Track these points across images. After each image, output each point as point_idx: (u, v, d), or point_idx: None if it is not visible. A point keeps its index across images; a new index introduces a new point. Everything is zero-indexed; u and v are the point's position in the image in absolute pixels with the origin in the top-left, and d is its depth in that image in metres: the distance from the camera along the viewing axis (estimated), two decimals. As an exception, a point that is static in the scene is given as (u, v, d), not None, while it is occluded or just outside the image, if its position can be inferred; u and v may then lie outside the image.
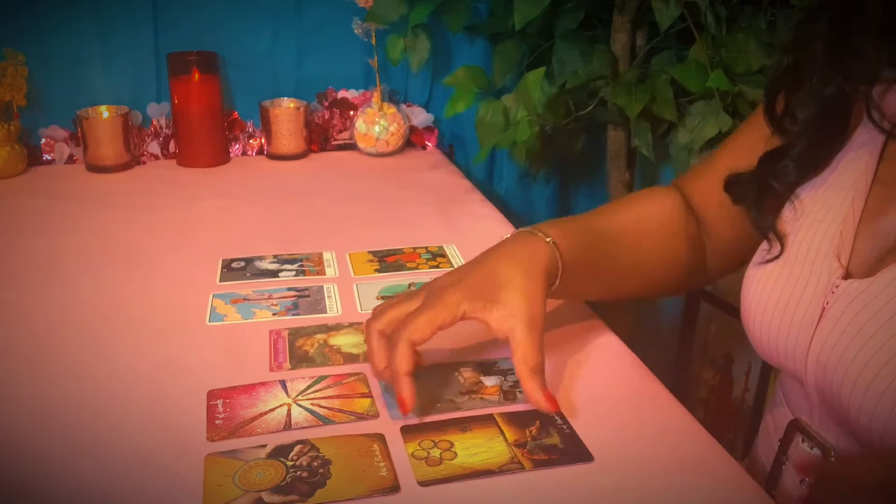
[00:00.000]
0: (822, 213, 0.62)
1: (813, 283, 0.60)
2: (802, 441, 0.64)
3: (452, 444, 0.61)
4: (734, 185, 0.70)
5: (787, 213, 0.65)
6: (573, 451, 0.61)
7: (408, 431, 0.63)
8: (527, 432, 0.63)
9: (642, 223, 0.77)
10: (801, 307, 0.61)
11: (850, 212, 0.60)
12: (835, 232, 0.61)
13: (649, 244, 0.76)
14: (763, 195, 0.65)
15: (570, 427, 0.63)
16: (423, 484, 0.57)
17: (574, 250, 0.69)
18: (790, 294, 0.62)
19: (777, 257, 0.64)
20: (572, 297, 0.78)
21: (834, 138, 0.63)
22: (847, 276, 0.59)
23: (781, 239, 0.64)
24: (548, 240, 0.67)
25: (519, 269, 0.65)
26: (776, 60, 0.67)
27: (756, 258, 0.67)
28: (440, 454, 0.60)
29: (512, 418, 0.65)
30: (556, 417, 0.64)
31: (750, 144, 0.70)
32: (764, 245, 0.66)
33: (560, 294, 0.70)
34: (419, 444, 0.61)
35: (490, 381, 0.70)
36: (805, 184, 0.64)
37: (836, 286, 0.59)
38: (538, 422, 0.64)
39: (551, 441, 0.62)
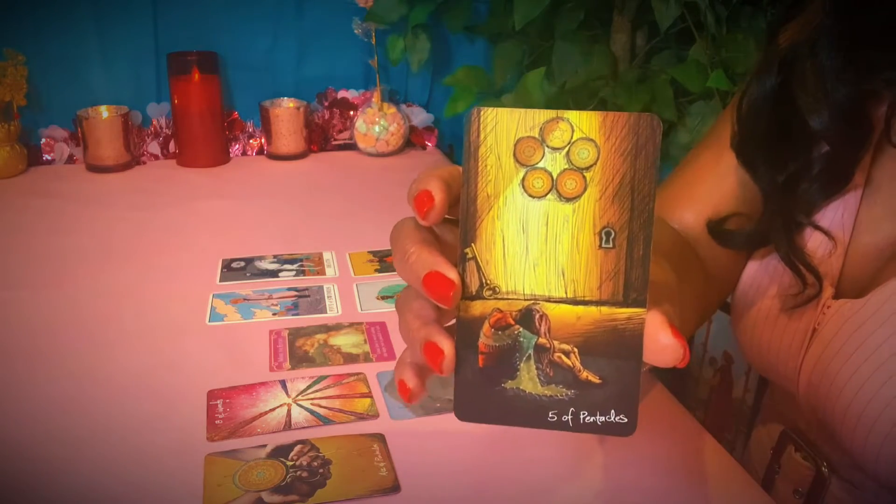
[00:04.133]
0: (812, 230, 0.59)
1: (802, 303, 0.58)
2: (795, 451, 0.63)
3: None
4: (719, 230, 0.63)
5: (812, 241, 0.59)
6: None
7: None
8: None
9: (680, 246, 0.65)
10: (791, 328, 0.58)
11: (839, 229, 0.58)
12: (824, 251, 0.58)
13: (692, 272, 0.64)
14: (788, 228, 0.58)
15: None
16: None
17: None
18: (778, 312, 0.59)
19: (817, 295, 0.57)
20: None
21: (854, 149, 0.57)
22: (838, 295, 0.56)
23: (820, 277, 0.57)
24: None
25: None
26: (746, 84, 0.59)
27: (744, 278, 0.63)
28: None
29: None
30: None
31: (724, 168, 0.63)
32: (751, 266, 0.62)
33: None
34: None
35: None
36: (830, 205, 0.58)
37: (828, 307, 0.56)
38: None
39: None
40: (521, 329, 0.34)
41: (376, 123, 1.37)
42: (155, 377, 0.72)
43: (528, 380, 0.34)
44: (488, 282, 0.34)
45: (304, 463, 0.59)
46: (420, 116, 1.44)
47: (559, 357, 0.34)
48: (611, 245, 0.33)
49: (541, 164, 0.33)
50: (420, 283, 0.35)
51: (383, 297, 0.87)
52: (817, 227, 0.58)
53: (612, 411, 0.33)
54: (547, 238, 0.33)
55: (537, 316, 0.34)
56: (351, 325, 0.81)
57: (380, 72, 1.38)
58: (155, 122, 1.36)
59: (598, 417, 0.34)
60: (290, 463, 0.59)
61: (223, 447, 0.62)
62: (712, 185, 0.65)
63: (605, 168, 0.33)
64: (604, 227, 0.33)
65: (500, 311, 0.34)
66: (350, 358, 0.74)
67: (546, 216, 0.33)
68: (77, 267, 0.95)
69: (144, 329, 0.80)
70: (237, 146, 1.40)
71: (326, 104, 1.43)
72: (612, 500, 0.57)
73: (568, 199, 0.33)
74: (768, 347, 0.60)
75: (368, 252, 0.98)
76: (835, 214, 0.58)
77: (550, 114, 0.33)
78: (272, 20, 1.38)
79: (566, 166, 0.33)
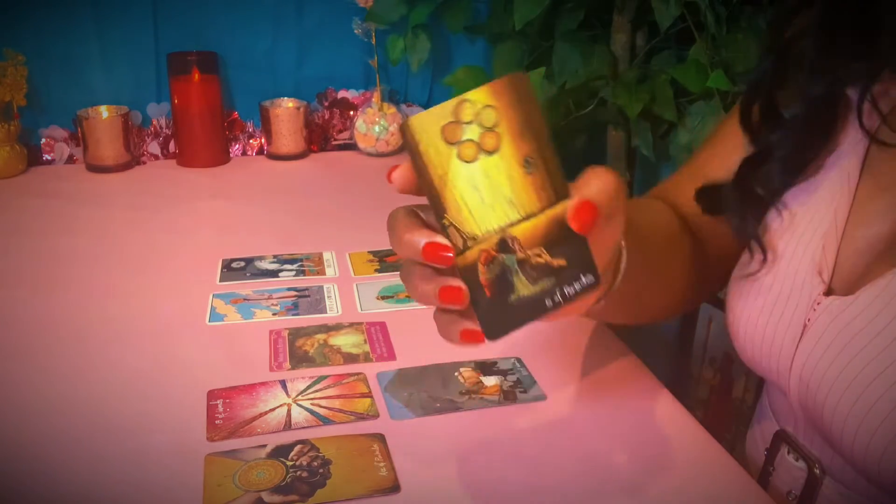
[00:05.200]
0: (805, 223, 0.60)
1: (794, 299, 0.58)
2: (788, 453, 0.63)
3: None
4: (707, 196, 0.66)
5: (774, 222, 0.62)
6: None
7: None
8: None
9: (670, 227, 0.68)
10: (783, 323, 0.59)
11: (832, 223, 0.58)
12: (817, 245, 0.58)
13: (674, 254, 0.67)
14: (746, 202, 0.62)
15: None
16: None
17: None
18: (772, 309, 0.60)
19: (759, 270, 0.61)
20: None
21: (820, 140, 0.60)
22: (829, 291, 0.57)
23: (765, 249, 0.61)
24: None
25: None
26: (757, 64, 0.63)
27: (737, 270, 0.64)
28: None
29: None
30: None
31: (730, 148, 0.66)
32: (745, 255, 0.64)
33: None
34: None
35: (490, 381, 0.70)
36: (792, 189, 0.61)
37: (818, 303, 0.56)
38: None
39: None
40: (503, 256, 0.43)
41: (376, 123, 1.37)
42: (155, 377, 0.72)
43: (522, 287, 0.43)
44: (467, 235, 0.42)
45: (304, 463, 0.59)
46: (420, 116, 1.44)
47: (535, 260, 0.43)
48: (533, 169, 0.42)
49: (465, 137, 0.41)
50: (420, 252, 0.43)
51: (383, 297, 0.87)
52: (771, 202, 0.61)
53: (582, 276, 0.44)
54: (492, 185, 0.42)
55: (509, 240, 0.42)
56: (351, 325, 0.81)
57: (380, 72, 1.38)
58: (155, 122, 1.36)
59: (575, 286, 0.44)
60: (290, 463, 0.59)
61: (223, 447, 0.62)
62: (718, 168, 0.68)
63: (507, 120, 0.41)
64: (524, 158, 0.42)
65: (485, 251, 0.42)
66: (350, 358, 0.74)
67: (485, 170, 0.42)
68: (76, 267, 0.95)
69: (144, 329, 0.80)
70: (237, 146, 1.40)
71: (326, 104, 1.43)
72: (611, 499, 0.57)
73: (494, 152, 0.42)
74: (761, 345, 0.61)
75: (368, 252, 0.98)
76: (827, 211, 0.59)
77: (456, 99, 0.41)
78: (272, 20, 1.38)
79: (482, 130, 0.41)
